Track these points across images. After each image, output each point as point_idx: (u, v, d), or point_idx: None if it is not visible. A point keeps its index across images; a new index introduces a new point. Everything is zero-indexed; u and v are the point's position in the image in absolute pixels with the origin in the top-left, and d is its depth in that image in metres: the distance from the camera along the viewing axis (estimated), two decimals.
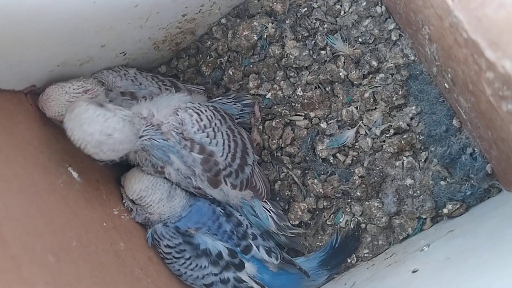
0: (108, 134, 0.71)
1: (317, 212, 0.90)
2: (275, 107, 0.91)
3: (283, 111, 0.90)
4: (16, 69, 0.72)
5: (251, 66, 0.93)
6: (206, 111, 0.82)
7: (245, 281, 0.82)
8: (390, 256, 0.81)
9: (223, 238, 0.82)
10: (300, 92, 0.89)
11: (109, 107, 0.73)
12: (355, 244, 0.87)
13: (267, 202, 0.88)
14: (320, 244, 0.90)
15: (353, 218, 0.88)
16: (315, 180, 0.89)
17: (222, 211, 0.84)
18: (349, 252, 0.87)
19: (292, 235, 0.89)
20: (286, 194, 0.91)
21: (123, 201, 0.84)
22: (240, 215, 0.86)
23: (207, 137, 0.80)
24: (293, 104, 0.90)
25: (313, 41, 0.90)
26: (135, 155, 0.81)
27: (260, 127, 0.92)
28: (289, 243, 0.90)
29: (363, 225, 0.88)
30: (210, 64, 0.95)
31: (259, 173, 0.89)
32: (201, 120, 0.80)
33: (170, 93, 0.86)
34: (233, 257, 0.81)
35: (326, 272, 0.86)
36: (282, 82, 0.91)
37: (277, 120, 0.91)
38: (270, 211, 0.87)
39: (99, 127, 0.70)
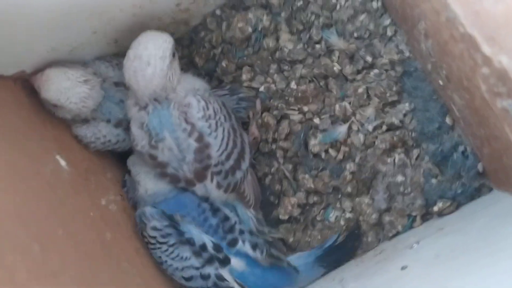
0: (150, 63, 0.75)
1: (307, 207, 0.90)
2: (271, 100, 0.90)
3: (278, 105, 0.90)
4: (5, 52, 0.71)
5: (245, 58, 0.92)
6: (214, 102, 0.81)
7: (226, 280, 0.80)
8: (379, 253, 0.81)
9: (208, 231, 0.81)
10: (294, 85, 0.88)
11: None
12: (354, 244, 0.86)
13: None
14: (308, 239, 0.89)
15: (343, 214, 0.88)
16: (306, 175, 0.88)
17: (209, 206, 0.83)
18: (348, 252, 0.86)
19: (271, 239, 0.87)
20: (277, 188, 0.90)
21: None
22: (231, 211, 0.84)
23: (209, 127, 0.79)
24: (286, 97, 0.89)
25: (308, 35, 0.89)
26: (138, 113, 0.80)
27: (259, 120, 0.91)
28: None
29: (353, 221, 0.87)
30: (203, 55, 0.94)
31: (251, 181, 0.87)
32: (207, 109, 0.79)
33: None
34: (218, 251, 0.80)
35: (322, 269, 0.85)
36: (275, 75, 0.90)
37: (273, 113, 0.90)
38: (251, 214, 0.86)
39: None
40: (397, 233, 0.85)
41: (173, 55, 0.77)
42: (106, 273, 0.71)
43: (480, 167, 0.79)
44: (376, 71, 0.86)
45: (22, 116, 0.76)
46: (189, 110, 0.78)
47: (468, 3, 0.50)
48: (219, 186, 0.82)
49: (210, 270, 0.79)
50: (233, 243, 0.81)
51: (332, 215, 0.88)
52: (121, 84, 0.85)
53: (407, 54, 0.85)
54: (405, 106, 0.85)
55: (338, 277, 0.80)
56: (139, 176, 0.85)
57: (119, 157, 0.92)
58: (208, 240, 0.80)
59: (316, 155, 0.88)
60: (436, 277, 0.58)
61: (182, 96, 0.79)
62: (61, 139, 0.81)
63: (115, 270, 0.73)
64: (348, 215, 0.87)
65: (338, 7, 0.89)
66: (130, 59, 0.76)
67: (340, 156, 0.87)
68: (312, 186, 0.88)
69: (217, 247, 0.80)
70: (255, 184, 0.88)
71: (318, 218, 0.89)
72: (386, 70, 0.86)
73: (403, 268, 0.66)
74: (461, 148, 0.81)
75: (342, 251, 0.86)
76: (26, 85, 0.78)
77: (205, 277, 0.79)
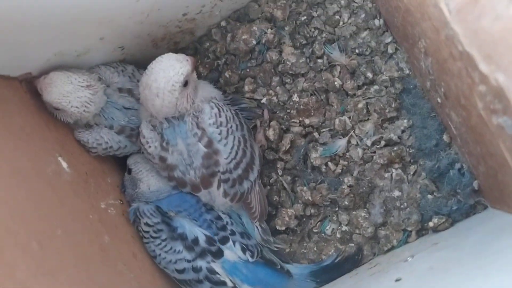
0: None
1: (304, 219, 0.91)
2: (277, 112, 0.91)
3: (284, 116, 0.91)
4: (13, 54, 0.72)
5: (248, 70, 0.93)
6: (227, 111, 0.82)
7: (218, 273, 0.81)
8: (374, 266, 0.81)
9: (202, 225, 0.83)
10: (296, 98, 0.89)
11: None
12: (351, 267, 0.86)
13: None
14: (304, 251, 0.90)
15: (339, 227, 0.88)
16: (304, 188, 0.89)
17: (205, 205, 0.85)
18: (343, 273, 0.86)
19: (275, 248, 0.88)
20: (274, 199, 0.91)
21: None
22: (223, 213, 0.86)
23: (219, 134, 0.80)
24: (288, 110, 0.90)
25: (310, 49, 0.91)
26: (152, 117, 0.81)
27: (267, 128, 0.91)
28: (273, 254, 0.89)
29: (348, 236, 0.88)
30: (207, 66, 0.96)
31: (258, 192, 0.87)
32: (220, 116, 0.80)
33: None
34: (211, 244, 0.82)
35: (314, 284, 0.86)
36: (277, 87, 0.91)
37: (279, 126, 0.90)
38: (256, 223, 0.87)
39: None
40: (392, 248, 0.85)
41: (185, 84, 0.77)
42: (102, 275, 0.71)
43: (475, 184, 0.80)
44: (376, 87, 0.88)
45: (26, 117, 0.77)
46: (201, 115, 0.80)
47: (467, 22, 0.52)
48: (225, 194, 0.83)
49: (201, 263, 0.81)
50: (224, 241, 0.83)
51: (329, 228, 0.89)
52: (125, 91, 0.86)
53: (406, 71, 0.87)
54: (404, 123, 0.86)
55: None
56: (141, 174, 0.86)
57: (120, 162, 0.93)
58: (201, 234, 0.82)
59: (315, 169, 0.89)
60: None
61: (197, 103, 0.81)
62: (64, 141, 0.82)
63: (112, 272, 0.74)
64: (344, 228, 0.88)
65: (341, 23, 0.90)
66: (142, 86, 0.77)
67: (339, 169, 0.88)
68: (310, 198, 0.88)
69: (210, 240, 0.82)
70: (262, 196, 0.88)
71: (315, 230, 0.90)
72: (386, 87, 0.88)
73: (397, 280, 0.66)
74: (457, 166, 0.82)
75: (338, 271, 0.86)
76: (32, 86, 0.79)
77: (196, 270, 0.81)
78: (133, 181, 0.87)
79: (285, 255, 0.89)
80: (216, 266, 0.82)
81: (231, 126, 0.81)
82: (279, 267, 0.85)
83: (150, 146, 0.82)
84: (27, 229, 0.62)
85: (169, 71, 0.75)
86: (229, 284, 0.82)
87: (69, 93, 0.78)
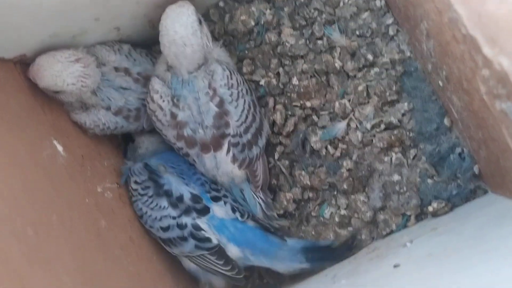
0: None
1: (302, 202, 0.90)
2: (277, 97, 0.90)
3: (285, 100, 0.89)
4: (6, 35, 0.71)
5: (246, 51, 0.91)
6: (237, 75, 0.83)
7: (203, 229, 0.81)
8: (373, 250, 0.81)
9: (195, 183, 0.84)
10: (296, 81, 0.88)
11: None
12: (344, 254, 0.85)
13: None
14: (302, 235, 0.89)
15: (338, 211, 0.88)
16: (303, 172, 0.88)
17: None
18: (334, 257, 0.84)
19: (277, 225, 0.88)
20: (273, 183, 0.91)
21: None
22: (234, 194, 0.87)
23: (230, 95, 0.81)
24: (288, 94, 0.89)
25: (310, 31, 0.89)
26: (165, 73, 0.83)
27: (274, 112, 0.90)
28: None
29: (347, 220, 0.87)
30: None
31: (262, 163, 0.88)
32: (231, 78, 0.81)
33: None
34: (196, 202, 0.82)
35: (303, 261, 0.84)
36: (276, 70, 0.90)
37: (285, 110, 0.89)
38: (259, 198, 0.87)
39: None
40: (391, 232, 0.85)
41: (200, 22, 0.79)
42: (99, 261, 0.71)
43: (476, 169, 0.79)
44: (376, 69, 0.86)
45: (21, 100, 0.76)
46: (214, 76, 0.81)
47: (471, 4, 0.50)
48: (234, 159, 0.83)
49: (187, 219, 0.82)
50: (216, 199, 0.84)
51: (327, 212, 0.89)
52: (121, 70, 0.85)
53: (408, 54, 0.85)
54: (404, 106, 0.85)
55: (331, 273, 0.80)
56: (142, 142, 0.91)
57: (117, 145, 0.93)
58: (186, 192, 0.83)
59: (314, 153, 0.88)
60: (428, 274, 0.58)
61: (210, 63, 0.82)
62: (59, 124, 0.81)
63: (108, 258, 0.73)
64: (343, 212, 0.88)
65: (341, 4, 0.88)
66: (167, 46, 0.78)
67: (338, 153, 0.87)
68: (308, 182, 0.88)
69: (196, 198, 0.82)
70: (264, 166, 0.89)
71: (313, 214, 0.89)
72: (387, 69, 0.86)
73: (395, 266, 0.66)
74: (458, 150, 0.82)
75: (329, 254, 0.85)
76: (26, 69, 0.78)
77: (181, 227, 0.81)
78: (134, 148, 0.92)
79: (286, 233, 0.88)
80: (201, 222, 0.82)
81: (241, 89, 0.82)
82: (272, 230, 0.84)
83: (163, 100, 0.82)
84: (22, 216, 0.61)
85: (181, 18, 0.77)
86: (214, 241, 0.82)
87: (60, 71, 0.77)
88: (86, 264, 0.68)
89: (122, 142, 0.96)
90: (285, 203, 0.89)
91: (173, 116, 0.82)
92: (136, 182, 0.85)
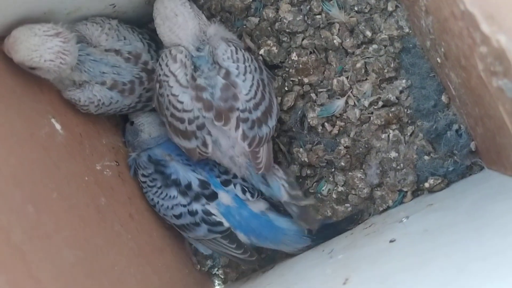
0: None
1: (300, 179, 0.91)
2: (276, 70, 0.90)
3: (284, 75, 0.89)
4: (1, 14, 0.70)
5: (244, 27, 0.91)
6: (244, 52, 0.83)
7: (213, 214, 0.84)
8: (369, 226, 0.82)
9: (204, 168, 0.85)
10: (295, 57, 0.88)
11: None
12: (348, 225, 0.87)
13: (279, 169, 0.86)
14: None
15: (335, 187, 0.88)
16: (301, 149, 0.89)
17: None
18: (340, 231, 0.86)
19: (303, 205, 0.86)
20: None
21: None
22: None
23: (236, 69, 0.81)
24: (287, 69, 0.89)
25: (308, 7, 0.88)
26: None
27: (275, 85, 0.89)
28: (300, 214, 0.86)
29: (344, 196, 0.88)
30: None
31: (267, 147, 0.85)
32: (236, 53, 0.81)
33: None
34: (204, 188, 0.84)
35: (309, 241, 0.86)
36: (274, 47, 0.89)
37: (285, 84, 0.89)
38: (282, 179, 0.85)
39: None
40: (388, 208, 0.86)
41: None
42: (99, 237, 0.72)
43: (473, 146, 0.80)
44: (375, 46, 0.86)
45: (18, 79, 0.75)
46: (217, 50, 0.81)
47: None
48: (244, 137, 0.80)
49: (197, 206, 0.84)
50: (226, 183, 0.85)
51: (325, 188, 0.89)
52: (112, 51, 0.82)
53: (406, 30, 0.85)
54: (402, 83, 0.85)
55: (328, 249, 0.82)
56: (142, 126, 0.90)
57: (115, 123, 0.92)
58: (194, 179, 0.84)
59: (312, 130, 0.89)
60: (423, 250, 0.59)
61: (215, 40, 0.82)
62: (57, 102, 0.81)
63: (109, 233, 0.74)
64: (340, 188, 0.88)
65: None
66: (161, 24, 0.81)
67: (335, 130, 0.88)
68: (306, 159, 0.88)
69: (204, 184, 0.84)
70: (269, 150, 0.86)
71: (311, 190, 0.90)
72: (385, 46, 0.86)
73: (391, 241, 0.67)
74: (455, 127, 0.82)
75: (334, 229, 0.87)
76: None
77: (193, 213, 0.84)
78: (135, 131, 0.90)
79: (313, 218, 0.87)
80: (211, 207, 0.84)
81: (249, 65, 0.82)
82: (281, 210, 0.86)
83: (184, 62, 0.80)
84: (22, 193, 0.62)
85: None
86: (226, 224, 0.84)
87: (37, 46, 0.71)
88: (86, 239, 0.69)
89: (121, 121, 0.95)
90: None
91: (193, 78, 0.80)
92: (143, 175, 0.87)
